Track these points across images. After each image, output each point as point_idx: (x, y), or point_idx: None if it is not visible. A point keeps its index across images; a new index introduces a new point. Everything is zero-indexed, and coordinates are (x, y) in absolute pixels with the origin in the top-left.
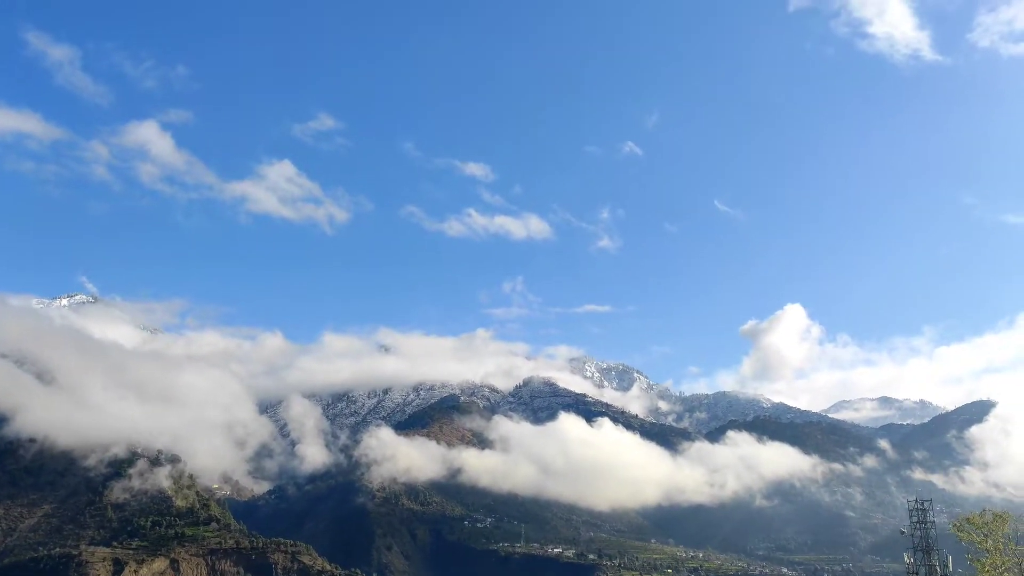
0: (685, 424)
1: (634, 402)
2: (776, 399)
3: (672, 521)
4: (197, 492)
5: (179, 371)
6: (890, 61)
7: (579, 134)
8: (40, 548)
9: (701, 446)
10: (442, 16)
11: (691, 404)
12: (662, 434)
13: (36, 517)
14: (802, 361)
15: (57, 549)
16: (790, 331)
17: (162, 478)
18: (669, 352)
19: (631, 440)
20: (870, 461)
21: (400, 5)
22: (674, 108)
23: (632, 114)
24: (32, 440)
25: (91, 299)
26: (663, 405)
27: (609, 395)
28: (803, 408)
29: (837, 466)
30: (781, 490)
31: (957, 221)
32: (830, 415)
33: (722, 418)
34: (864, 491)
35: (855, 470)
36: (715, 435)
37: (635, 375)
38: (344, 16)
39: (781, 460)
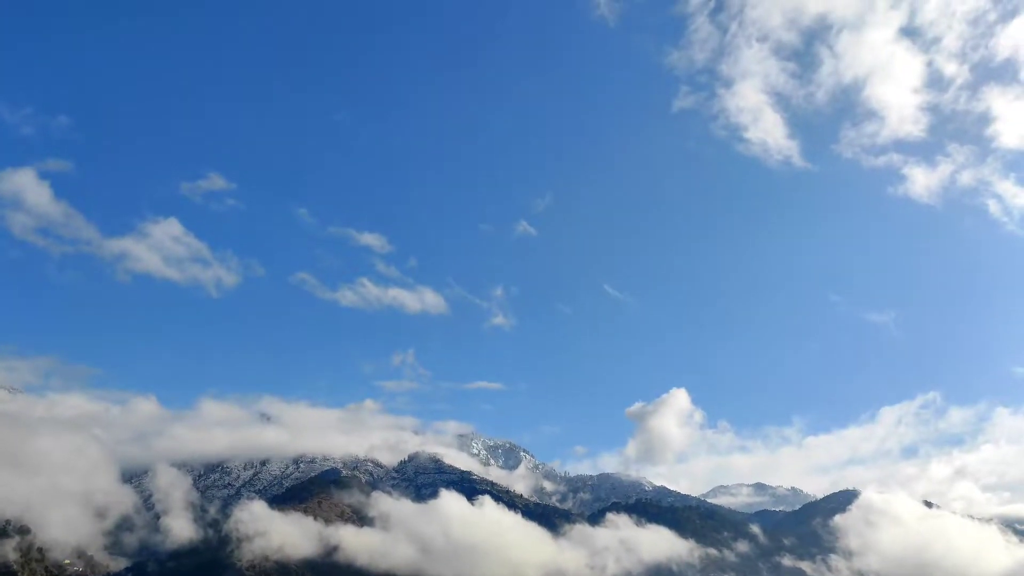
0: (569, 505)
1: (520, 481)
2: (658, 482)
3: None
4: (46, 567)
5: (34, 435)
6: (765, 165)
7: (474, 211)
8: None
9: (583, 528)
10: (338, 84)
11: (576, 484)
12: (545, 515)
13: None
14: (684, 445)
15: None
16: (674, 414)
17: (8, 551)
18: (557, 431)
19: (513, 520)
20: (743, 546)
21: (299, 72)
22: (565, 192)
23: (525, 195)
24: None
25: None
26: (548, 485)
27: (495, 473)
28: (683, 492)
29: (713, 551)
30: (659, 574)
31: (824, 318)
32: (708, 499)
33: (606, 500)
34: None
35: (729, 555)
36: (597, 517)
37: (522, 454)
38: (239, 75)
39: (660, 544)
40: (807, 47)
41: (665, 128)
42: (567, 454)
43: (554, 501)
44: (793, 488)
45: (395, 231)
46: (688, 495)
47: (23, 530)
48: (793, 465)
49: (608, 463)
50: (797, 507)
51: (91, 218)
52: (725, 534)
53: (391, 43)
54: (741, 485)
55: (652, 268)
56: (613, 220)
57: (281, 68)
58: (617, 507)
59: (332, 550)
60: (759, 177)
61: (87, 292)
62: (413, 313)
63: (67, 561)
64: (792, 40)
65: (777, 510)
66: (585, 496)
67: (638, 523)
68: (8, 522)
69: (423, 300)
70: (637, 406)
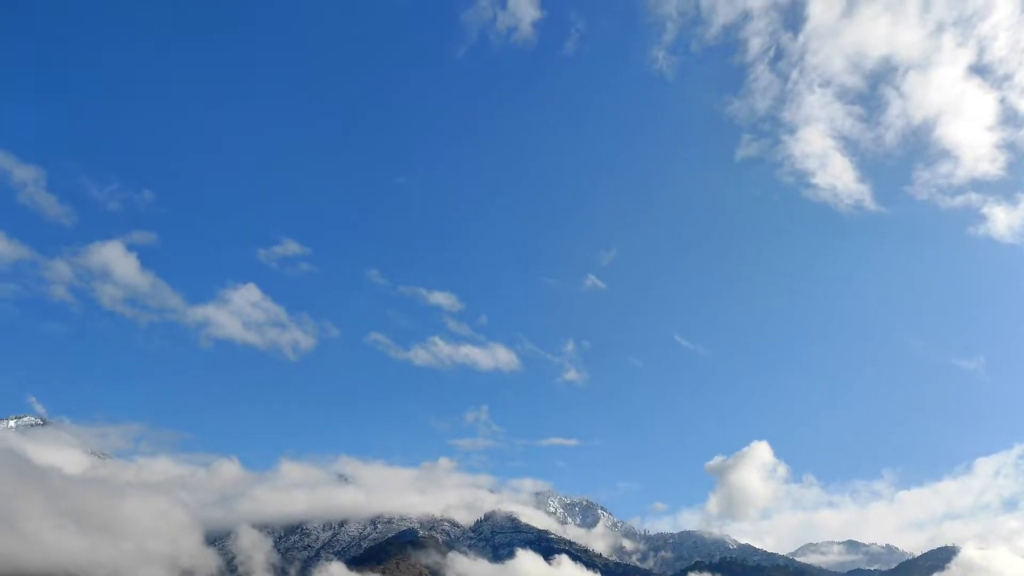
0: (651, 564)
1: (599, 539)
2: (743, 539)
3: None
4: None
5: (122, 499)
6: (835, 210)
7: (541, 267)
8: None
9: None
10: (408, 151)
11: (656, 543)
12: (626, 574)
13: None
14: (768, 500)
15: None
16: (756, 468)
17: None
18: (635, 488)
19: None
20: None
21: (370, 140)
22: (630, 245)
23: (591, 249)
24: None
25: (39, 421)
26: (628, 543)
27: (573, 532)
28: (770, 550)
29: None
30: None
31: (909, 366)
32: (797, 558)
33: (688, 558)
34: None
35: None
36: None
37: (600, 511)
38: (305, 146)
39: None
40: (872, 90)
41: (729, 177)
42: (646, 511)
43: (634, 560)
44: (888, 545)
45: (464, 289)
46: (775, 553)
47: None
48: (885, 521)
49: (689, 520)
50: (893, 565)
51: (176, 287)
52: None
53: (448, 105)
54: (831, 543)
55: (724, 318)
56: (681, 271)
57: (342, 138)
58: (700, 566)
59: None
60: (830, 222)
61: (172, 359)
62: (485, 370)
63: None
64: (856, 83)
65: (871, 569)
66: (666, 555)
67: None
68: None
69: (495, 357)
70: (716, 460)
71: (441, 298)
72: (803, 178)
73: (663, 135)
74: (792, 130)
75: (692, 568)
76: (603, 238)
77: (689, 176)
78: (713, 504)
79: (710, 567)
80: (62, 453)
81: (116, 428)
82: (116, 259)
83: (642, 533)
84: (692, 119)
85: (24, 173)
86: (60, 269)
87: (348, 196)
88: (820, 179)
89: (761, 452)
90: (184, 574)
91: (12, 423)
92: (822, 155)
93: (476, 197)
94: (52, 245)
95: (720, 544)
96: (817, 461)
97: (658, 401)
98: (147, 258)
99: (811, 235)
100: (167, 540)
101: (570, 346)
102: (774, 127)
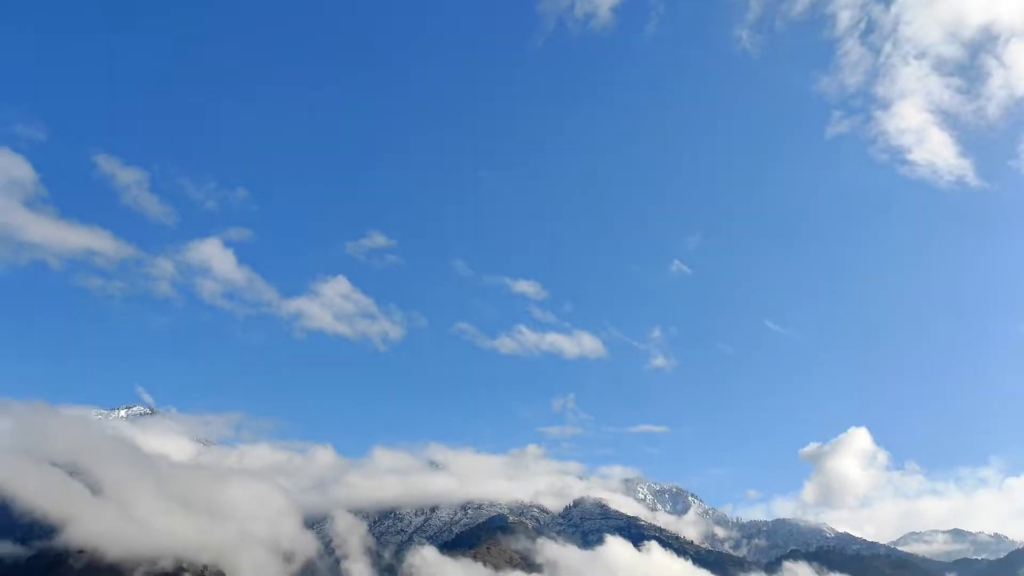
0: (743, 552)
1: (689, 527)
2: (840, 528)
3: None
4: None
5: (225, 484)
6: (934, 187)
7: (625, 253)
8: None
9: None
10: (493, 143)
11: (749, 530)
12: (717, 562)
13: None
14: (867, 488)
15: None
16: (854, 455)
17: None
18: (727, 475)
19: (683, 567)
20: None
21: (453, 133)
22: (716, 228)
23: (676, 234)
24: (81, 552)
25: (148, 411)
26: (720, 531)
27: (663, 519)
28: (870, 539)
29: None
30: None
31: (1017, 348)
32: (899, 547)
33: (783, 546)
34: None
35: None
36: (774, 565)
37: (690, 498)
38: (390, 141)
39: None
40: (972, 60)
41: (819, 156)
42: (739, 498)
43: (727, 547)
44: (996, 534)
45: (549, 277)
46: (876, 542)
47: (218, 574)
48: (994, 509)
49: (783, 508)
50: (1002, 555)
51: (270, 280)
52: None
53: (529, 95)
54: (936, 531)
55: (817, 302)
56: (769, 254)
57: (426, 132)
58: (796, 555)
59: None
60: (929, 200)
61: (268, 350)
62: (571, 358)
63: None
64: (955, 54)
65: (979, 559)
66: (760, 543)
67: (819, 572)
68: (205, 567)
69: (581, 344)
70: (812, 447)
71: (526, 287)
72: (899, 155)
73: (749, 116)
74: (886, 105)
75: (787, 557)
76: (688, 223)
77: (777, 157)
78: (809, 492)
79: (806, 556)
80: (169, 441)
81: (219, 416)
82: (214, 255)
83: (734, 521)
84: (779, 98)
85: (128, 175)
86: (163, 266)
87: (432, 189)
88: (917, 155)
89: (859, 439)
90: (285, 556)
91: (123, 412)
92: (919, 130)
93: (559, 186)
94: (155, 243)
95: (816, 533)
96: (920, 448)
97: (749, 387)
98: (243, 254)
99: (909, 214)
100: (268, 523)
101: (657, 332)
102: (866, 103)
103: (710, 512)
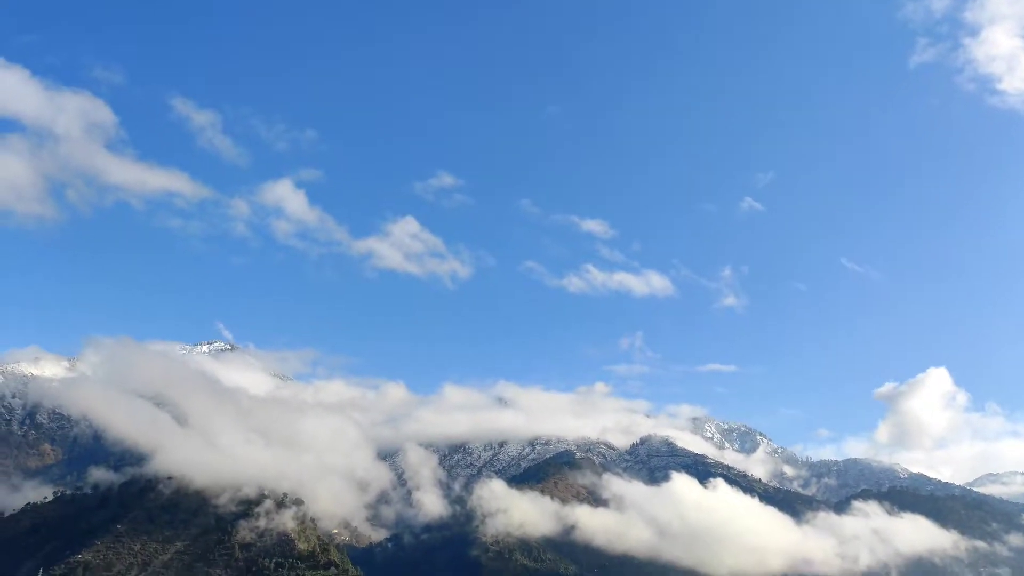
0: (812, 490)
1: (758, 466)
2: (914, 469)
3: None
4: (318, 536)
5: (302, 418)
6: None
7: (696, 190)
8: None
9: (828, 515)
10: (559, 79)
11: (819, 470)
12: (786, 500)
13: (170, 553)
14: (945, 429)
15: None
16: (933, 396)
17: (287, 520)
18: (798, 415)
19: (750, 505)
20: (1018, 539)
21: (519, 70)
22: (791, 164)
23: (747, 170)
24: (170, 478)
25: (228, 346)
26: (789, 470)
27: (730, 457)
28: (945, 480)
29: (981, 544)
30: (921, 567)
31: None
32: (975, 488)
33: (853, 486)
34: (1014, 572)
35: (1001, 549)
36: (843, 504)
37: (759, 437)
38: (458, 78)
39: (919, 535)
40: None
41: (902, 86)
42: (809, 438)
43: (795, 487)
44: None
45: (617, 216)
46: (951, 483)
47: (298, 502)
48: None
49: (855, 448)
50: None
51: (341, 221)
52: (995, 526)
53: (595, 30)
54: (1015, 473)
55: (897, 239)
56: (847, 190)
57: (495, 68)
58: (867, 494)
59: (570, 529)
60: (1019, 132)
61: (341, 289)
62: (640, 296)
63: (335, 531)
64: None
65: None
66: (830, 482)
67: (891, 512)
68: (285, 495)
69: (649, 283)
70: (888, 387)
71: (594, 225)
72: (988, 84)
73: (828, 44)
74: (974, 32)
75: (858, 496)
76: (760, 158)
77: (857, 87)
78: (883, 432)
79: (877, 496)
80: (249, 375)
81: (294, 353)
82: (287, 196)
83: (804, 460)
84: (860, 25)
85: (202, 117)
86: (239, 207)
87: (500, 127)
88: (1008, 84)
89: (939, 379)
90: (360, 486)
91: (205, 348)
92: (1010, 57)
93: (626, 122)
94: (231, 184)
95: (889, 473)
96: (1002, 389)
97: (823, 326)
98: (314, 194)
99: (997, 146)
100: (343, 455)
101: (727, 271)
102: (953, 29)
103: (779, 451)
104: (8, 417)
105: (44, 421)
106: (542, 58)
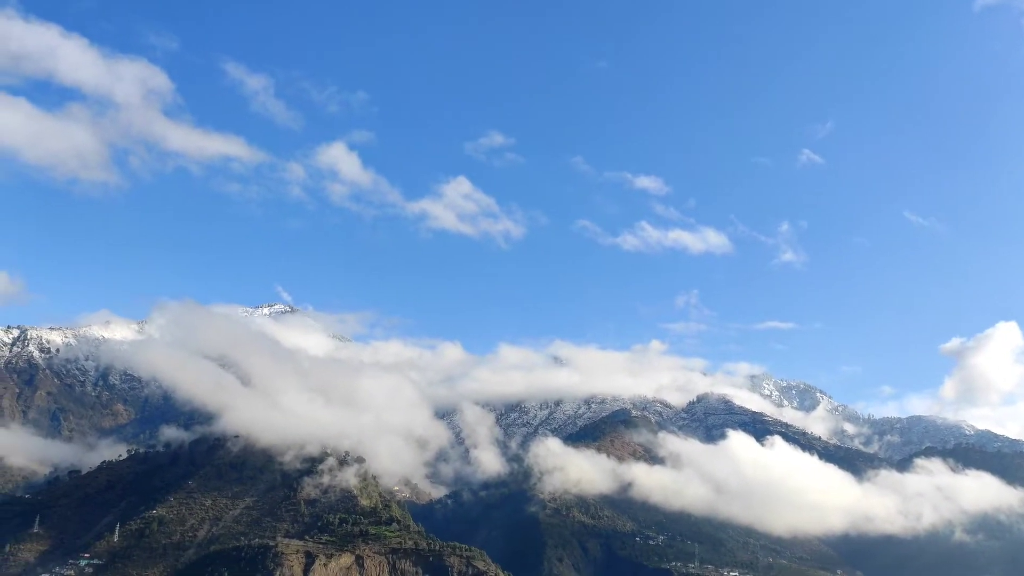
0: (874, 448)
1: (817, 423)
2: (980, 425)
3: (860, 551)
4: (380, 493)
5: (361, 378)
6: None
7: (751, 144)
8: (242, 538)
9: (890, 473)
10: (608, 34)
11: (881, 427)
12: (846, 458)
13: (239, 509)
14: (1014, 385)
15: (256, 540)
16: (1001, 351)
17: (350, 477)
18: (859, 371)
19: (809, 462)
20: None
21: (567, 25)
22: (850, 114)
23: (804, 122)
24: (237, 436)
25: (288, 309)
26: (849, 427)
27: (789, 415)
28: (1013, 437)
29: None
30: (985, 525)
31: None
32: None
33: (917, 444)
34: None
35: None
36: (906, 462)
37: (818, 395)
38: (504, 34)
39: (985, 492)
40: None
41: (966, 31)
42: (871, 395)
43: (856, 444)
44: None
45: (671, 172)
46: (1019, 440)
47: (359, 460)
48: None
49: (918, 405)
50: None
51: (394, 183)
52: None
53: None
54: None
55: (962, 190)
56: (910, 140)
57: (542, 24)
58: (931, 451)
59: (627, 486)
60: None
61: (396, 250)
62: (696, 254)
63: (396, 488)
64: None
65: None
66: (893, 439)
67: (955, 469)
68: (347, 453)
69: (705, 240)
70: (954, 342)
71: (647, 182)
72: None
73: None
74: None
75: (921, 454)
76: (818, 109)
77: (919, 32)
78: (948, 388)
79: (941, 453)
80: (308, 337)
81: (352, 315)
82: (341, 158)
83: (866, 417)
84: None
85: (255, 82)
86: (295, 170)
87: (549, 83)
88: None
89: (1008, 333)
90: (419, 443)
91: (266, 310)
92: None
93: (678, 75)
94: (286, 148)
95: (955, 430)
96: None
97: (886, 282)
98: (367, 156)
99: None
100: (401, 414)
101: (785, 226)
102: None
103: (840, 409)
104: (82, 379)
105: (116, 382)
106: (590, 13)
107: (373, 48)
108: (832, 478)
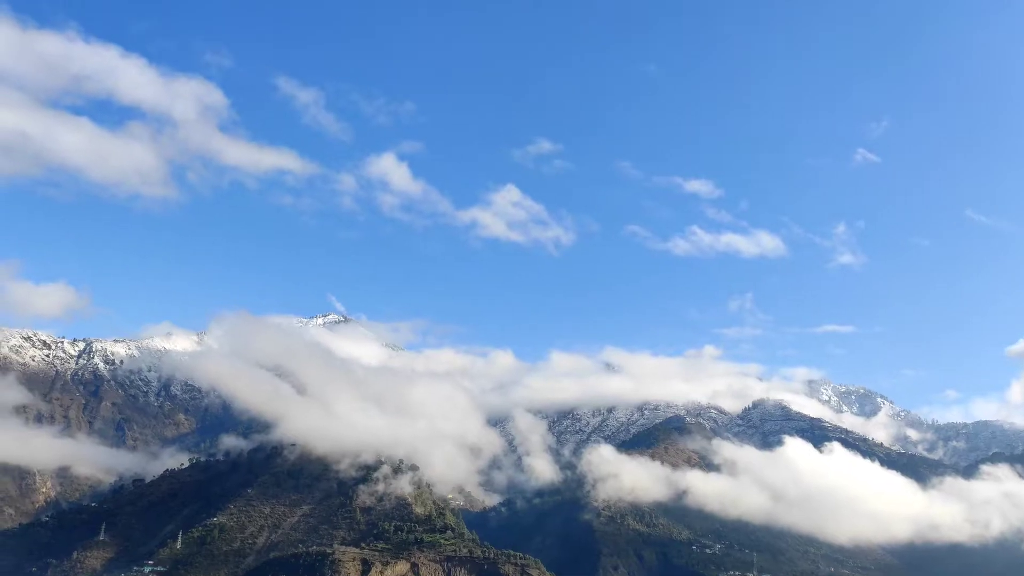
0: (939, 454)
1: (879, 429)
2: None
3: (926, 561)
4: (434, 500)
5: (414, 386)
6: None
7: (803, 144)
8: (300, 545)
9: (956, 480)
10: (655, 36)
11: (946, 433)
12: (909, 465)
13: (296, 516)
14: None
15: (314, 547)
16: None
17: (404, 484)
18: (922, 376)
19: (870, 469)
20: None
21: (613, 29)
22: (906, 112)
23: (858, 120)
24: (294, 445)
25: (341, 318)
26: (913, 433)
27: (849, 420)
28: None
29: None
30: None
31: None
32: None
33: (983, 449)
34: None
35: None
36: (971, 469)
37: (879, 400)
38: (556, 43)
39: None
40: None
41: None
42: (935, 400)
43: (920, 450)
44: None
45: (722, 175)
46: None
47: (413, 467)
48: None
49: (984, 409)
50: None
51: (444, 192)
52: None
53: None
54: None
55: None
56: (971, 135)
57: (587, 29)
58: (998, 457)
59: (681, 494)
60: None
61: (447, 259)
62: (749, 257)
63: (450, 495)
64: None
65: None
66: (958, 444)
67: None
68: (401, 461)
69: (759, 243)
70: (1022, 344)
71: (698, 186)
72: None
73: None
74: None
75: (988, 460)
76: (872, 106)
77: (979, 22)
78: (1016, 391)
79: (1009, 459)
80: (362, 346)
81: (405, 324)
82: (391, 169)
83: (929, 423)
84: None
85: (306, 95)
86: (346, 181)
87: (596, 88)
88: None
89: None
90: (472, 451)
91: (320, 320)
92: None
93: (726, 76)
94: (337, 160)
95: (1023, 435)
96: None
97: (949, 282)
98: (416, 167)
99: None
100: (454, 422)
101: (842, 228)
102: None
103: (902, 414)
104: (145, 389)
105: (178, 392)
106: (636, 16)
107: (420, 59)
108: (895, 485)
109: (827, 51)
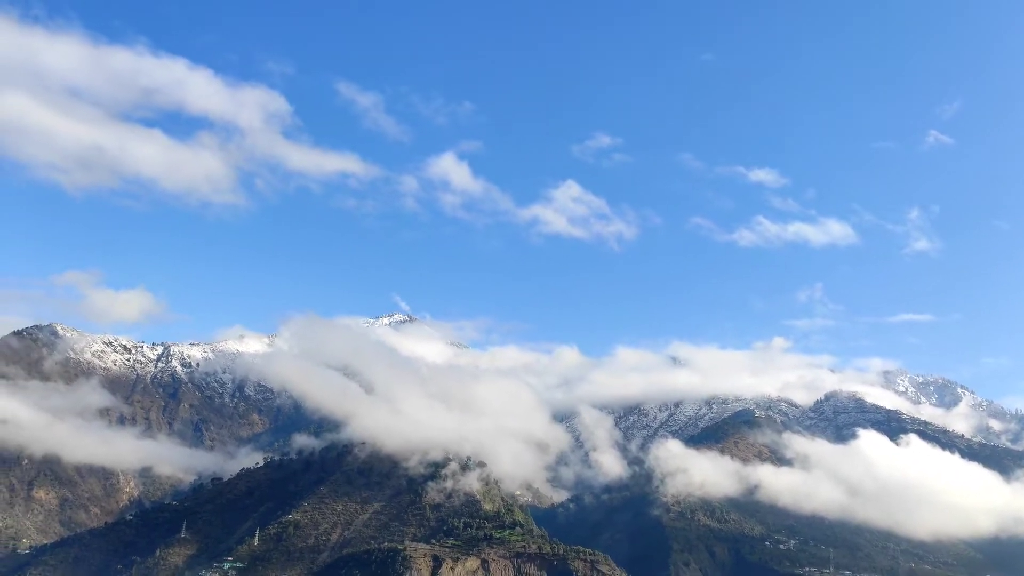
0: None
1: (959, 420)
2: None
3: (1012, 555)
4: (502, 497)
5: (480, 384)
6: None
7: (871, 128)
8: (372, 541)
9: None
10: (712, 24)
11: None
12: (992, 456)
13: (368, 513)
14: None
15: (386, 543)
16: None
17: (472, 481)
18: (1005, 364)
19: (950, 461)
20: None
21: (669, 19)
22: (979, 92)
23: (929, 102)
24: (363, 443)
25: (407, 318)
26: (995, 424)
27: (927, 412)
28: None
29: None
30: None
31: None
32: None
33: None
34: None
35: None
36: None
37: (959, 390)
38: (611, 36)
39: None
40: None
41: None
42: (1019, 389)
43: (1004, 441)
44: None
45: (787, 163)
46: None
47: (481, 464)
48: None
49: None
50: None
51: (504, 190)
52: None
53: None
54: None
55: None
56: None
57: (643, 20)
58: None
59: (753, 489)
60: None
61: (509, 257)
62: (818, 247)
63: (518, 492)
64: None
65: None
66: None
67: None
68: (469, 458)
69: (828, 232)
70: None
71: (762, 175)
72: None
73: None
74: None
75: None
76: (944, 87)
77: None
78: None
79: None
80: (427, 345)
81: (469, 322)
82: (451, 169)
83: (1013, 413)
84: None
85: (366, 99)
86: (408, 183)
87: (653, 80)
88: None
89: None
90: (539, 447)
91: (386, 321)
92: None
93: (788, 62)
94: (398, 162)
95: None
96: None
97: None
98: (476, 166)
99: None
100: (520, 418)
101: (915, 213)
102: None
103: (984, 404)
104: (220, 391)
105: (251, 393)
106: (692, 5)
107: (476, 58)
108: (977, 478)
109: (896, 31)
